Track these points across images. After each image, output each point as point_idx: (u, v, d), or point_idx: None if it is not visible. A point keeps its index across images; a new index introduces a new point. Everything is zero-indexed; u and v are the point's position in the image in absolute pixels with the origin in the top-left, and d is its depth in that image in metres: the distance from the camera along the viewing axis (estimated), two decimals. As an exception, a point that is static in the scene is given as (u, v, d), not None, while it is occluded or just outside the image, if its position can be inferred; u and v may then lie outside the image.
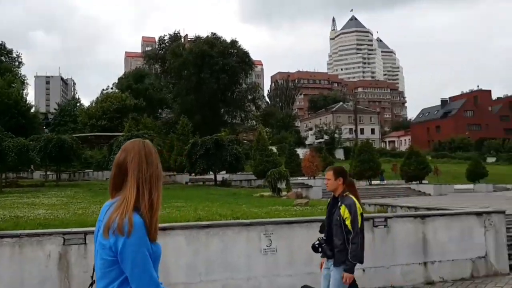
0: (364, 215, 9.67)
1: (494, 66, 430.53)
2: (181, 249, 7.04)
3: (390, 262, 8.34)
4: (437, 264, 8.69)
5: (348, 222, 4.89)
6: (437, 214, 9.22)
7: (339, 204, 5.04)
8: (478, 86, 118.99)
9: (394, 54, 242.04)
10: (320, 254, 5.27)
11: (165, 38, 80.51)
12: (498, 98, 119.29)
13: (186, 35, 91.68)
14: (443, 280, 8.65)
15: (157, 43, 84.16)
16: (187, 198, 20.89)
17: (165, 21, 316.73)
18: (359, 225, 4.93)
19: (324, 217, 6.23)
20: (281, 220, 8.12)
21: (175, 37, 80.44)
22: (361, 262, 5.19)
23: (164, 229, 7.02)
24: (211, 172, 35.59)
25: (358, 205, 5.00)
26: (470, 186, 48.00)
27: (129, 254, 2.05)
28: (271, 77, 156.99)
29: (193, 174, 36.19)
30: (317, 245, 5.20)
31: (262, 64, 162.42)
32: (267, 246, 7.50)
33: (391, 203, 15.91)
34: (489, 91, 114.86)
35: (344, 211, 4.93)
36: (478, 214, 9.39)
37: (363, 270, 8.13)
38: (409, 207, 12.38)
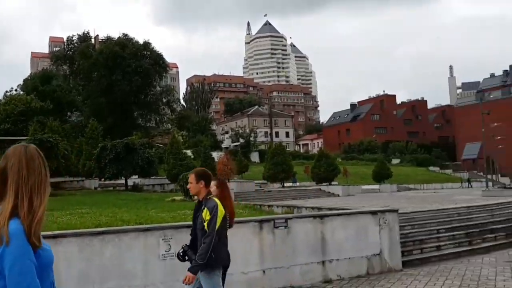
0: (266, 216, 9.83)
1: (399, 72, 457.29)
2: (73, 257, 6.71)
3: (290, 262, 8.51)
4: (334, 262, 8.99)
5: (205, 224, 4.78)
6: (335, 214, 9.56)
7: (202, 207, 4.93)
8: (384, 91, 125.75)
9: (307, 59, 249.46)
10: (186, 263, 5.01)
11: (74, 38, 77.10)
12: (402, 102, 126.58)
13: (97, 35, 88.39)
14: (340, 278, 8.96)
15: (66, 44, 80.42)
16: (94, 204, 20.12)
17: (74, 22, 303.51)
18: (216, 227, 4.77)
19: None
20: (181, 224, 8.00)
21: (85, 37, 77.19)
22: (214, 263, 4.87)
23: (55, 236, 6.68)
24: (122, 177, 34.56)
25: (220, 207, 4.88)
26: (376, 186, 50.53)
27: (7, 263, 1.99)
28: (187, 80, 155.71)
29: (102, 179, 34.94)
30: (181, 253, 4.98)
31: (177, 67, 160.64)
32: (165, 251, 7.36)
33: (297, 204, 16.31)
34: (394, 96, 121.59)
35: (206, 214, 4.82)
36: (373, 213, 9.84)
37: (263, 272, 8.24)
38: (312, 208, 12.77)
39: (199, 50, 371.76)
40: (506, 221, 14.90)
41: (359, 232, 9.47)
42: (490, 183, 52.12)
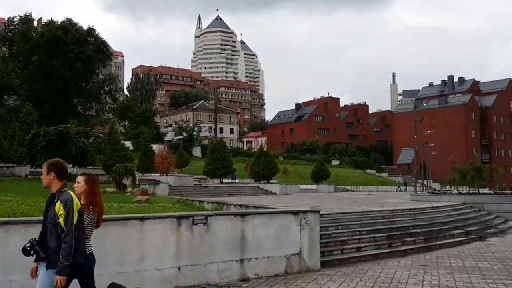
0: (185, 213, 9.71)
1: (345, 75, 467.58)
2: None
3: (208, 260, 8.44)
4: (253, 261, 9.01)
5: (61, 220, 4.54)
6: (257, 213, 9.59)
7: (55, 200, 4.66)
8: (328, 94, 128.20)
9: (256, 57, 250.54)
10: (32, 258, 4.75)
11: (15, 20, 73.77)
12: (345, 105, 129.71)
13: (40, 18, 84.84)
14: (258, 276, 8.99)
15: (6, 24, 76.67)
16: (20, 192, 19.41)
17: (17, 2, 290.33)
18: (74, 222, 4.55)
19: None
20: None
21: (26, 19, 73.88)
22: (78, 261, 4.66)
23: None
24: (54, 166, 33.31)
25: (76, 201, 4.64)
26: (314, 186, 51.48)
27: None
28: (132, 70, 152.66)
29: (34, 167, 33.60)
30: (28, 248, 4.69)
31: (123, 56, 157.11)
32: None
33: (228, 201, 16.31)
34: (338, 99, 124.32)
35: (59, 208, 4.56)
36: (295, 213, 9.94)
37: (179, 269, 8.14)
38: (240, 205, 12.78)
39: (147, 41, 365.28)
40: (426, 225, 15.52)
41: (280, 232, 9.54)
42: (419, 188, 54.27)
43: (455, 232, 15.64)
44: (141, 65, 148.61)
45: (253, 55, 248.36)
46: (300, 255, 9.74)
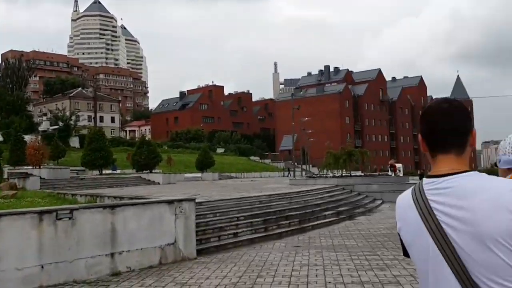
0: (48, 207, 9.10)
1: (228, 64, 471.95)
2: None
3: (74, 256, 8.00)
4: (125, 254, 8.71)
5: None
6: (128, 204, 9.28)
7: None
8: (213, 82, 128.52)
9: (138, 43, 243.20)
10: None
11: None
12: (229, 94, 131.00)
13: None
14: (130, 269, 8.72)
15: None
16: None
17: None
18: None
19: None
20: None
21: None
22: None
23: None
24: None
25: None
26: (199, 174, 51.48)
27: None
28: (2, 55, 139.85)
29: None
30: None
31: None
32: None
33: (102, 193, 15.66)
34: (222, 87, 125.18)
35: None
36: (170, 202, 9.78)
37: (42, 267, 7.61)
38: (115, 197, 12.29)
39: (19, 24, 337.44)
40: (301, 208, 16.20)
41: (154, 222, 9.33)
42: (298, 173, 56.74)
43: (327, 213, 16.52)
44: (11, 50, 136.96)
45: (135, 41, 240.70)
46: (175, 244, 9.61)
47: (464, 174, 1.55)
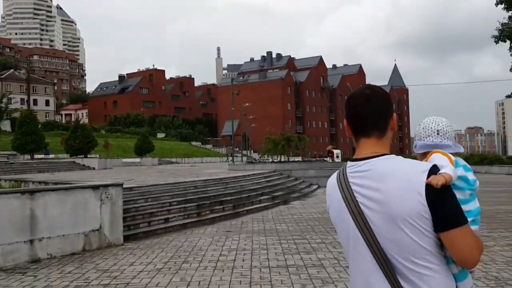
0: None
1: (170, 47, 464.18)
2: None
3: (-11, 243, 7.57)
4: (45, 240, 8.34)
5: None
6: (49, 189, 8.87)
7: None
8: (154, 66, 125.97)
9: (75, 24, 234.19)
10: None
11: None
12: (171, 78, 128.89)
13: None
14: (51, 256, 8.37)
15: None
16: None
17: None
18: None
19: None
20: None
21: None
22: None
23: None
24: None
25: None
26: (137, 159, 50.55)
27: None
28: None
29: None
30: None
31: None
32: None
33: (28, 178, 14.97)
34: (163, 71, 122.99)
35: None
36: (95, 187, 9.45)
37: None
38: (40, 182, 11.75)
39: None
40: (237, 193, 16.19)
41: (77, 208, 8.98)
42: (239, 158, 56.91)
43: (262, 198, 16.60)
44: None
45: (72, 22, 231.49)
46: (101, 230, 9.32)
47: (382, 157, 1.63)
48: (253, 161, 42.86)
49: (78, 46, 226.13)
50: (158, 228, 11.19)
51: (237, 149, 72.12)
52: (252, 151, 75.16)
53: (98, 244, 9.21)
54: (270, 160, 34.23)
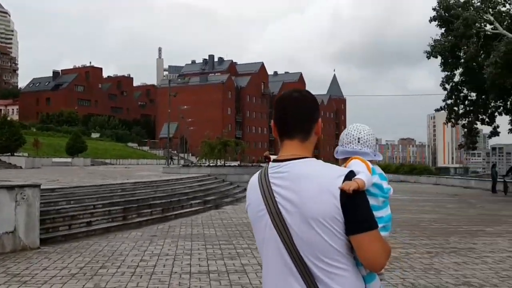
0: None
1: (109, 45, 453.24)
2: None
3: None
4: (-50, 244, 7.77)
5: None
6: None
7: None
8: (90, 63, 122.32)
9: (9, 15, 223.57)
10: None
11: None
12: (108, 76, 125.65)
13: None
14: (-44, 260, 7.80)
15: None
16: None
17: None
18: None
19: None
20: None
21: None
22: None
23: None
24: None
25: None
26: (69, 159, 48.81)
27: None
28: None
29: None
30: None
31: None
32: None
33: None
34: (101, 69, 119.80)
35: None
36: (10, 188, 8.94)
37: None
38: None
39: None
40: (167, 197, 15.89)
41: (-11, 209, 8.45)
42: (175, 161, 56.27)
43: (194, 202, 16.40)
44: None
45: (5, 13, 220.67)
46: (15, 233, 8.81)
47: (302, 160, 1.67)
48: (189, 164, 42.47)
49: (11, 38, 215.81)
50: (79, 231, 10.74)
51: (175, 152, 71.25)
52: (190, 154, 74.50)
53: (12, 247, 8.71)
54: (207, 164, 34.01)
